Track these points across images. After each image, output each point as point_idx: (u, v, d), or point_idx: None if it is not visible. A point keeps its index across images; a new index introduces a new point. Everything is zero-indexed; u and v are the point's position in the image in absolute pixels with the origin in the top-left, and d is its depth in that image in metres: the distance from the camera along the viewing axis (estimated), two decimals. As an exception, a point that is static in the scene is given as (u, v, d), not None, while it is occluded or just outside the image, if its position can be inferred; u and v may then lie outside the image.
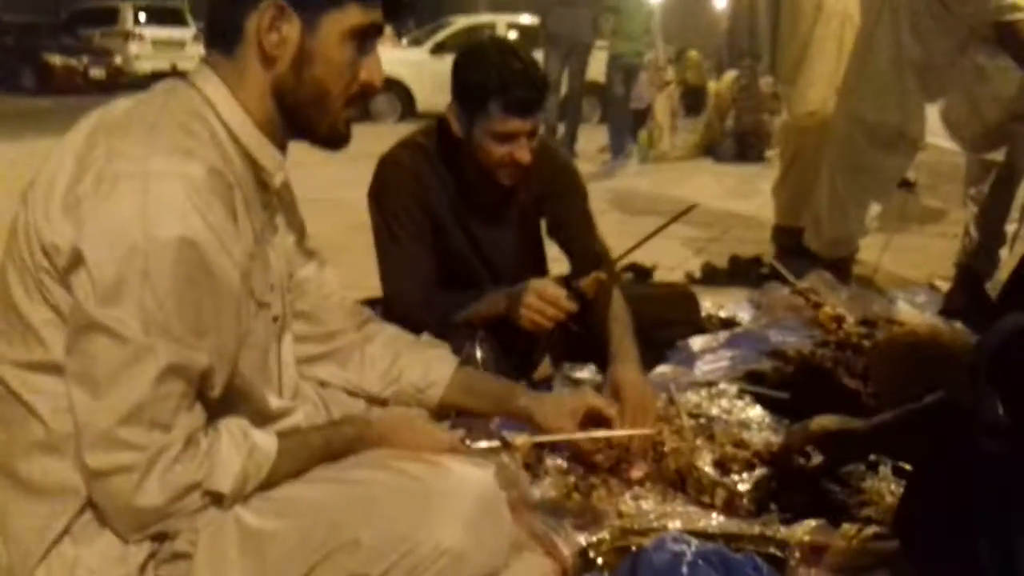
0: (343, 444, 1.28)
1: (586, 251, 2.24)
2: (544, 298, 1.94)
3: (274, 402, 1.31)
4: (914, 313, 2.70)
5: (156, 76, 20.33)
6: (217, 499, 1.14)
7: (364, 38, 1.23)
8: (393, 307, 2.08)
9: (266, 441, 1.20)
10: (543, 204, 2.27)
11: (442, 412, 1.57)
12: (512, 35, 12.44)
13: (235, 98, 1.20)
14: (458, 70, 2.07)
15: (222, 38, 1.21)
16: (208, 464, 1.13)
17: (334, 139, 1.28)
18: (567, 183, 2.29)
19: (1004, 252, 3.02)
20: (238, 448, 1.16)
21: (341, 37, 1.20)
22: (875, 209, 3.22)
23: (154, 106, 1.17)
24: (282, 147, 1.27)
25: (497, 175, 2.06)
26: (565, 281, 2.09)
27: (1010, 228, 3.04)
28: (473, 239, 2.21)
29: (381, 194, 2.14)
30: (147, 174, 1.07)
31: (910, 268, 3.42)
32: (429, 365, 1.57)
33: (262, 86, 1.20)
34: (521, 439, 1.53)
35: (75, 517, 1.15)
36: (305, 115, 1.24)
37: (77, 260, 1.06)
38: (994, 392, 1.23)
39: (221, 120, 1.19)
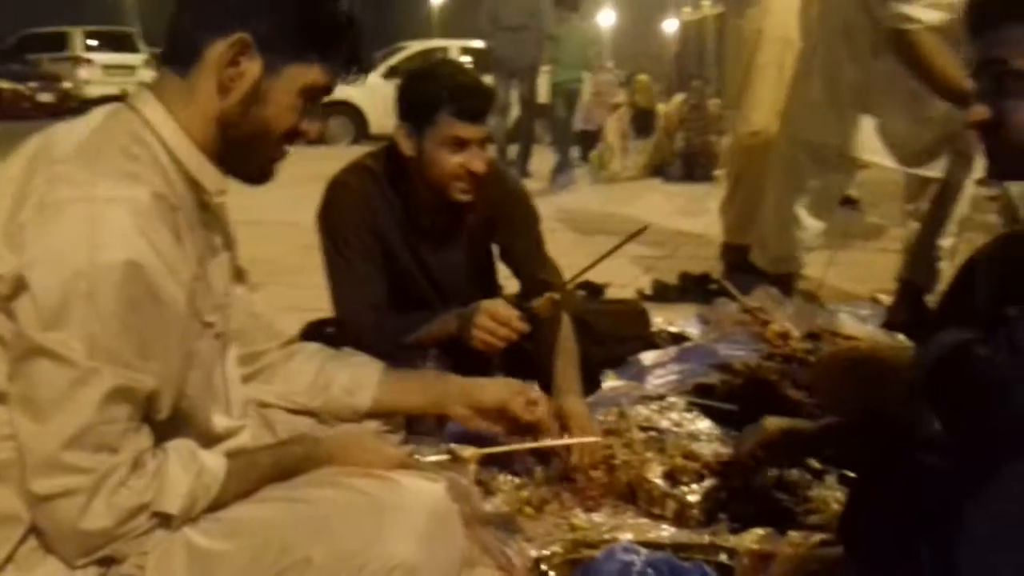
0: (292, 463, 1.28)
1: (535, 278, 2.23)
2: (496, 319, 1.95)
3: (220, 422, 1.31)
4: (857, 326, 2.77)
5: (106, 100, 19.89)
6: (165, 520, 1.13)
7: (317, 96, 1.25)
8: (345, 329, 2.09)
9: (214, 462, 1.20)
10: (493, 229, 2.27)
11: (376, 416, 1.58)
12: (465, 59, 12.53)
13: (176, 120, 1.20)
14: (405, 88, 2.10)
15: (179, 57, 1.21)
16: (156, 486, 1.12)
17: (259, 178, 1.29)
18: (517, 208, 2.29)
19: (944, 266, 3.09)
20: (186, 469, 1.15)
21: (297, 89, 1.22)
22: (818, 226, 3.28)
23: (94, 131, 1.16)
24: (222, 168, 1.27)
25: (450, 191, 2.06)
26: (517, 301, 2.10)
27: (948, 243, 3.11)
28: (422, 262, 2.21)
29: (330, 217, 2.14)
30: (92, 199, 1.07)
31: (854, 283, 3.50)
32: (356, 370, 1.58)
33: (208, 111, 1.21)
34: (469, 451, 1.56)
35: (18, 544, 1.13)
36: (240, 149, 1.24)
37: (20, 286, 1.05)
38: (931, 408, 1.26)
39: (162, 142, 1.19)
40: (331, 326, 2.49)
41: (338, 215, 2.12)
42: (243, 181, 1.30)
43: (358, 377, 1.57)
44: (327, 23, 1.23)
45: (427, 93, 2.03)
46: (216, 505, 1.18)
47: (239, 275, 1.46)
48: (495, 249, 2.35)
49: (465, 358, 2.03)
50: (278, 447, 1.34)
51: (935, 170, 3.11)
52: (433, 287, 2.24)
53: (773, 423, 1.73)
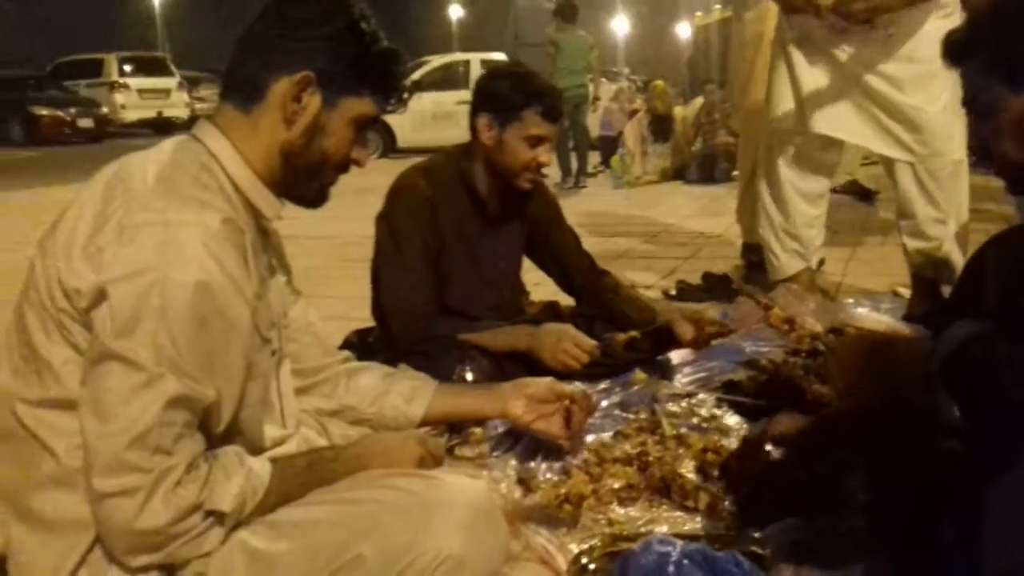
0: (323, 463, 1.35)
1: (584, 262, 2.65)
2: (581, 346, 2.21)
3: (271, 432, 1.39)
4: (878, 319, 2.80)
5: (143, 124, 20.17)
6: (219, 519, 1.19)
7: (366, 125, 1.38)
8: (395, 316, 2.28)
9: (260, 466, 1.27)
10: (537, 227, 2.57)
11: (428, 423, 1.70)
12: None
13: (237, 151, 1.31)
14: (494, 86, 2.34)
15: (241, 94, 1.32)
16: (209, 486, 1.18)
17: (316, 201, 1.41)
18: (557, 207, 2.65)
19: (956, 256, 3.07)
20: (236, 471, 1.22)
21: (351, 120, 1.34)
22: (807, 231, 3.28)
23: (166, 161, 1.26)
24: (279, 195, 1.37)
25: (519, 179, 2.33)
26: (577, 319, 2.42)
27: (950, 230, 3.08)
28: (478, 245, 2.44)
29: (393, 215, 2.33)
30: (167, 223, 1.16)
31: (873, 277, 3.53)
32: (414, 382, 1.71)
33: (271, 143, 1.31)
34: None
35: (89, 550, 1.20)
36: (301, 176, 1.36)
37: (100, 297, 1.14)
38: (950, 397, 1.31)
39: (226, 172, 1.29)
40: (371, 335, 2.59)
41: (401, 214, 2.31)
42: (302, 205, 1.41)
43: (416, 388, 1.71)
44: (376, 61, 1.35)
45: (518, 92, 2.29)
46: (263, 507, 1.24)
47: (296, 295, 1.56)
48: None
49: (515, 367, 2.20)
50: (311, 451, 1.42)
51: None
52: (481, 269, 2.45)
53: (784, 421, 1.79)
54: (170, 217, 1.17)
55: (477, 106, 2.36)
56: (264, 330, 1.34)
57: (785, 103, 3.17)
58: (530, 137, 2.30)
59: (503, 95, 2.32)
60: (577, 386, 2.27)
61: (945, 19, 2.98)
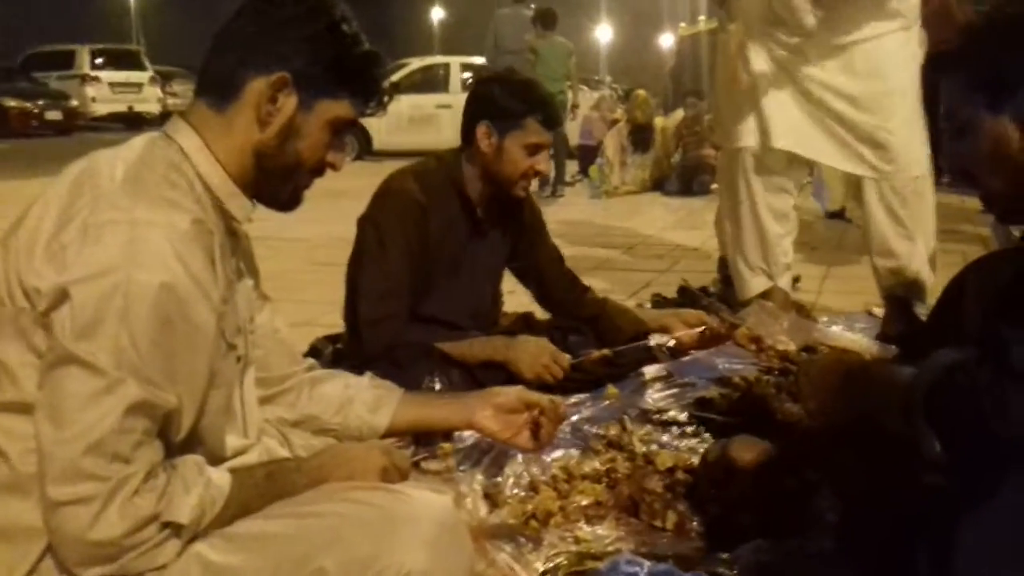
0: (284, 474, 1.31)
1: (565, 277, 2.68)
2: (557, 361, 2.24)
3: (232, 442, 1.35)
4: (852, 338, 2.81)
5: (113, 118, 20.06)
6: (176, 531, 1.15)
7: (343, 129, 1.35)
8: (369, 320, 2.26)
9: (219, 476, 1.22)
10: (522, 237, 2.58)
11: (394, 434, 1.64)
12: (466, 75, 12.62)
13: (210, 150, 1.27)
14: (495, 93, 2.35)
15: (216, 92, 1.29)
16: (166, 497, 1.14)
17: (290, 204, 1.38)
18: (541, 218, 2.66)
19: (926, 275, 3.10)
20: (194, 482, 1.18)
21: (327, 123, 1.31)
22: (773, 249, 3.29)
23: (136, 158, 1.22)
24: (251, 198, 1.34)
25: (515, 187, 2.34)
26: (552, 331, 2.46)
27: (925, 250, 3.11)
28: (465, 250, 2.43)
29: (380, 216, 2.32)
30: (133, 222, 1.12)
31: (848, 296, 3.55)
32: (378, 391, 1.66)
33: (245, 143, 1.28)
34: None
35: (39, 559, 1.15)
36: (273, 179, 1.33)
37: (61, 298, 1.10)
38: (930, 429, 1.30)
39: (197, 171, 1.26)
40: (339, 341, 2.56)
41: (390, 217, 2.31)
42: (273, 207, 1.38)
43: (380, 397, 1.65)
44: (355, 61, 1.32)
45: (519, 100, 2.30)
46: (221, 519, 1.20)
47: (263, 300, 1.52)
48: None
49: (489, 377, 2.17)
50: (272, 462, 1.38)
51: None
52: (464, 277, 2.44)
53: (743, 445, 1.78)
54: (137, 216, 1.13)
55: (475, 113, 2.34)
56: (229, 336, 1.30)
57: (747, 119, 3.18)
58: (530, 145, 2.30)
59: (503, 103, 2.32)
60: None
61: (904, 32, 3.03)
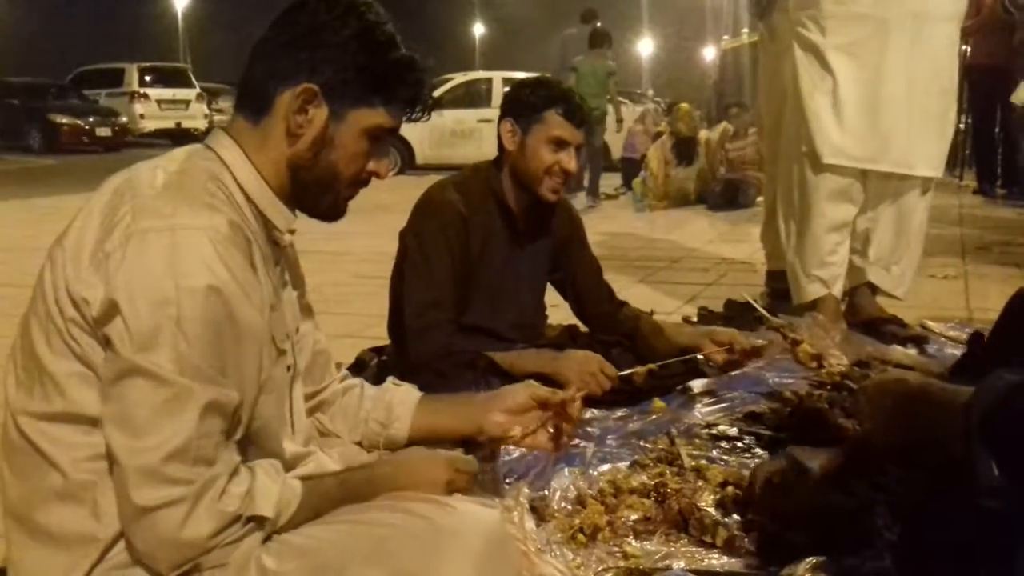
0: (355, 486, 1.32)
1: (601, 291, 2.65)
2: (606, 373, 2.22)
3: (289, 448, 1.36)
4: (905, 353, 2.74)
5: (161, 134, 20.60)
6: (259, 524, 1.18)
7: (381, 136, 1.33)
8: (415, 331, 2.25)
9: (293, 480, 1.25)
10: (561, 247, 2.56)
11: (414, 444, 1.63)
12: (507, 90, 12.66)
13: (250, 161, 1.28)
14: (517, 90, 2.38)
15: (251, 105, 1.29)
16: (250, 495, 1.17)
17: (331, 215, 1.37)
18: (582, 230, 2.63)
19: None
20: (273, 480, 1.21)
21: (362, 132, 1.29)
22: (832, 257, 3.28)
23: (176, 169, 1.23)
24: (293, 208, 1.34)
25: (542, 187, 2.31)
26: (595, 345, 2.42)
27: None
28: (505, 261, 2.42)
29: (424, 229, 2.31)
30: (174, 228, 1.13)
31: (902, 309, 3.46)
32: (391, 403, 1.66)
33: (280, 156, 1.28)
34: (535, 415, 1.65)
35: (95, 565, 1.17)
36: (312, 191, 1.32)
37: (112, 311, 1.11)
38: (989, 453, 1.25)
39: (237, 182, 1.26)
40: (384, 354, 2.56)
41: (432, 228, 2.30)
42: (316, 218, 1.38)
43: (393, 409, 1.65)
44: (388, 69, 1.30)
45: (539, 93, 2.30)
46: (293, 521, 1.23)
47: (308, 311, 1.53)
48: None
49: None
50: (342, 471, 1.39)
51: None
52: (506, 287, 2.44)
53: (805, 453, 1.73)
54: (177, 222, 1.14)
55: (502, 114, 2.36)
56: (279, 342, 1.32)
57: (826, 131, 3.14)
58: (552, 139, 2.28)
59: (525, 99, 2.33)
60: (594, 413, 2.24)
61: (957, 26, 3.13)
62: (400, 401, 1.68)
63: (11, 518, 1.22)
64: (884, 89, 3.12)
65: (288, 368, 1.38)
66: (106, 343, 1.13)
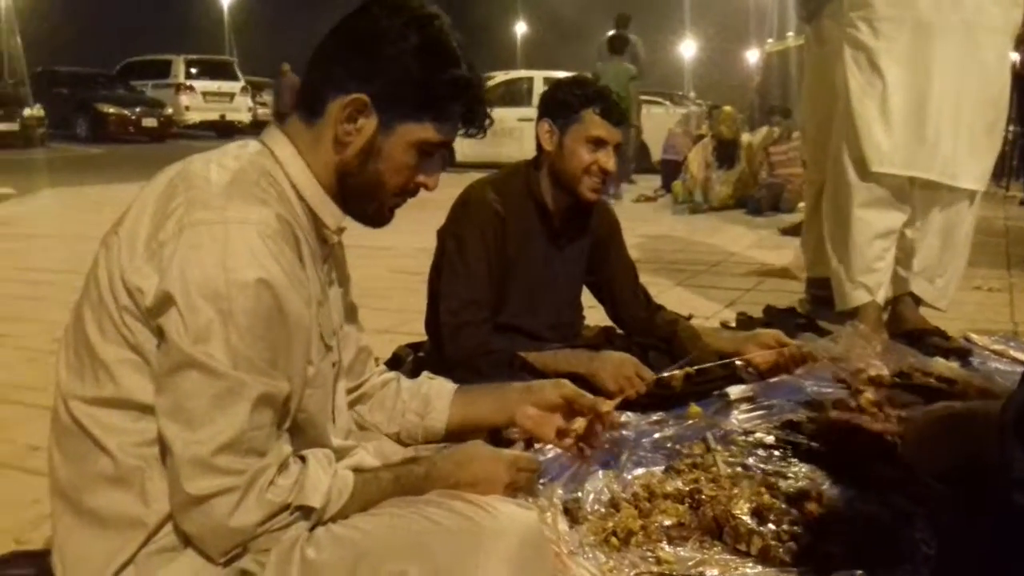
0: (411, 482, 1.33)
1: (637, 295, 2.63)
2: (642, 376, 2.21)
3: (334, 441, 1.37)
4: (948, 366, 2.68)
5: (205, 126, 21.02)
6: (306, 514, 1.20)
7: (431, 151, 1.32)
8: (451, 328, 2.26)
9: (345, 471, 1.27)
10: (597, 248, 2.55)
11: (452, 435, 1.65)
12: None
13: (303, 160, 1.29)
14: (555, 89, 2.37)
15: (306, 106, 1.30)
16: (299, 485, 1.19)
17: (376, 222, 1.38)
18: (619, 232, 2.62)
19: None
20: (324, 470, 1.23)
21: (410, 145, 1.29)
22: (877, 263, 3.25)
23: (229, 162, 1.25)
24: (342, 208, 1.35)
25: (581, 186, 2.31)
26: (632, 347, 2.40)
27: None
28: (545, 260, 2.42)
29: (462, 228, 2.32)
30: (226, 221, 1.15)
31: (945, 322, 3.41)
32: (428, 395, 1.67)
33: (329, 160, 1.30)
34: (579, 421, 1.62)
35: (140, 548, 1.20)
36: (357, 197, 1.33)
37: (166, 303, 1.13)
38: (1022, 447, 1.23)
39: (289, 178, 1.28)
40: (421, 350, 2.57)
41: (470, 227, 2.30)
42: (362, 223, 1.38)
43: (430, 401, 1.66)
44: (443, 87, 1.29)
45: (577, 93, 2.30)
46: (343, 512, 1.24)
47: (352, 311, 1.54)
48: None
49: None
50: (399, 466, 1.40)
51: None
52: (542, 287, 2.43)
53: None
54: (229, 215, 1.16)
55: (539, 114, 2.36)
56: (327, 337, 1.34)
57: (874, 138, 3.10)
58: (590, 138, 2.28)
59: (562, 98, 2.33)
60: (629, 417, 2.23)
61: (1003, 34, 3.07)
62: (437, 393, 1.69)
63: (60, 499, 1.25)
64: (933, 97, 3.08)
65: (333, 364, 1.40)
66: (160, 334, 1.15)
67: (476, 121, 1.35)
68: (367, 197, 1.33)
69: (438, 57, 1.28)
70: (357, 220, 1.37)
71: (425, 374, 1.76)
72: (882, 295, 3.32)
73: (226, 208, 1.16)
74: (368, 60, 1.26)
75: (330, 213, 1.32)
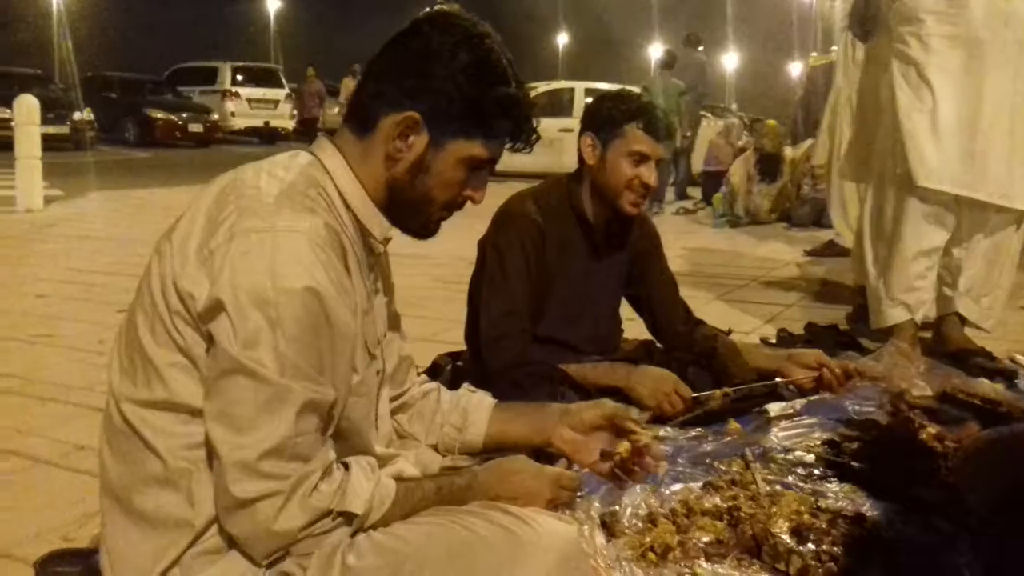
0: (453, 492, 1.34)
1: (677, 309, 2.61)
2: (680, 394, 2.21)
3: (378, 449, 1.39)
4: (992, 387, 2.64)
5: (250, 132, 21.25)
6: (348, 520, 1.22)
7: (480, 167, 1.35)
8: (491, 340, 2.27)
9: (387, 479, 1.28)
10: (637, 261, 2.55)
11: (488, 450, 1.65)
12: (589, 100, 12.71)
13: (352, 171, 1.31)
14: (597, 103, 2.37)
15: (357, 120, 1.33)
16: (341, 490, 1.21)
17: (423, 234, 1.40)
18: (659, 245, 2.61)
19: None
20: (367, 477, 1.25)
21: (459, 161, 1.31)
22: (920, 282, 3.22)
23: (280, 172, 1.27)
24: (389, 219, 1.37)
25: (622, 200, 2.31)
26: (672, 362, 2.38)
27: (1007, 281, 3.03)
28: (583, 271, 2.42)
29: (502, 240, 2.32)
30: (275, 229, 1.17)
31: (991, 341, 3.35)
32: (467, 409, 1.67)
33: (378, 173, 1.32)
34: (624, 445, 1.58)
35: (185, 550, 1.22)
36: (405, 210, 1.35)
37: (217, 309, 1.15)
38: None
39: (338, 188, 1.30)
40: (460, 359, 2.58)
41: (511, 239, 2.31)
42: (408, 235, 1.40)
43: (469, 415, 1.67)
44: (493, 105, 1.31)
45: (620, 107, 2.30)
46: (385, 519, 1.26)
47: (395, 319, 1.56)
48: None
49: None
50: (441, 476, 1.41)
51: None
52: (581, 299, 2.43)
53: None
54: (278, 223, 1.18)
55: (582, 127, 2.37)
56: (372, 346, 1.35)
57: (923, 153, 3.07)
58: (632, 153, 2.28)
59: (606, 113, 2.33)
60: (667, 432, 2.22)
61: None
62: (475, 407, 1.70)
63: (109, 498, 1.27)
64: (984, 114, 3.04)
65: (377, 372, 1.41)
66: (210, 339, 1.17)
67: (523, 137, 1.37)
68: (415, 210, 1.35)
69: (488, 76, 1.29)
70: (404, 232, 1.39)
71: (466, 386, 1.76)
72: (921, 315, 3.28)
73: (276, 216, 1.18)
74: (420, 78, 1.28)
75: (377, 224, 1.34)
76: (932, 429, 2.21)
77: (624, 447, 1.59)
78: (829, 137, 4.43)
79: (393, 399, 1.60)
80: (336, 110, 17.02)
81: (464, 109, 1.29)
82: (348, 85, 15.58)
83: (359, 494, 1.22)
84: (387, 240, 1.39)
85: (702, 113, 11.06)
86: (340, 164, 1.31)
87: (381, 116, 1.29)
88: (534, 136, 1.39)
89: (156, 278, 1.23)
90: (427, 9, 1.33)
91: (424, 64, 1.28)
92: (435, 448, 1.67)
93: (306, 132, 16.55)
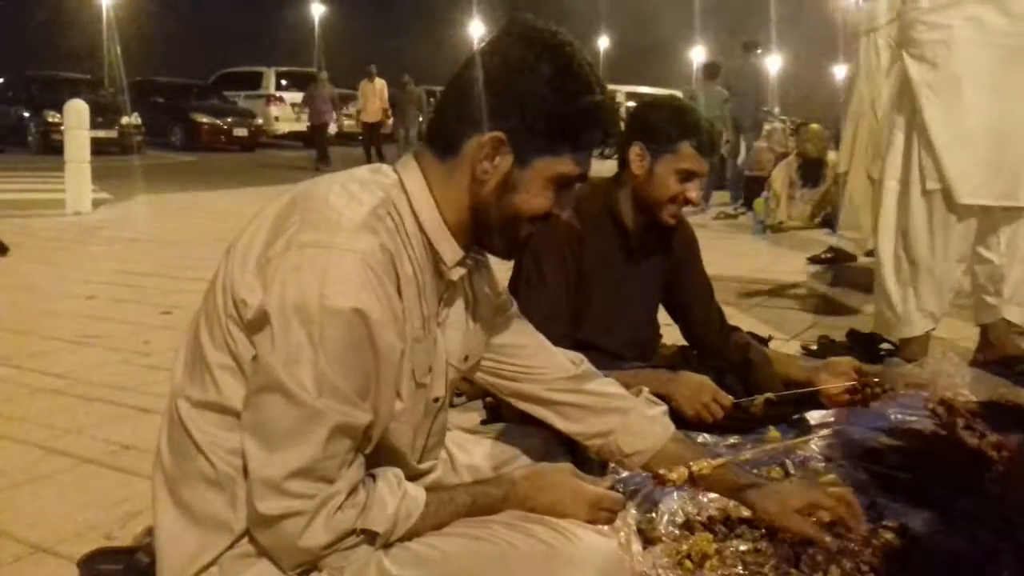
0: (488, 503, 1.33)
1: (712, 315, 2.59)
2: (720, 402, 2.19)
3: (411, 470, 1.38)
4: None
5: (293, 136, 21.43)
6: (370, 538, 1.22)
7: (567, 183, 1.30)
8: None
9: (416, 492, 1.27)
10: (675, 267, 2.53)
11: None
12: (631, 104, 12.68)
13: (431, 193, 1.28)
14: (650, 115, 2.32)
15: (440, 142, 1.29)
16: (366, 510, 1.20)
17: (510, 254, 1.38)
18: (697, 251, 2.59)
19: None
20: (392, 493, 1.24)
21: (548, 179, 1.27)
22: (947, 293, 3.22)
23: (353, 188, 1.24)
24: (466, 247, 1.33)
25: (664, 213, 2.31)
26: (709, 370, 2.34)
27: None
28: (619, 277, 2.41)
29: (539, 243, 2.28)
30: (331, 246, 1.15)
31: None
32: (641, 432, 1.61)
33: (462, 196, 1.28)
34: (676, 473, 1.52)
35: (225, 551, 1.24)
36: (492, 231, 1.31)
37: (263, 320, 1.15)
38: None
39: (413, 211, 1.27)
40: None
41: (548, 243, 2.29)
42: (494, 255, 1.39)
43: (638, 442, 1.61)
44: (577, 117, 1.26)
45: (675, 123, 2.27)
46: (412, 533, 1.25)
47: (506, 320, 1.56)
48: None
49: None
50: (475, 486, 1.39)
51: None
52: (619, 304, 2.42)
53: None
54: (336, 240, 1.16)
55: (631, 135, 2.33)
56: (420, 375, 1.31)
57: (960, 168, 3.04)
58: (681, 170, 2.27)
59: (659, 126, 2.29)
60: (705, 438, 2.20)
61: None
62: (650, 431, 1.62)
63: (162, 484, 1.30)
64: (1012, 120, 2.98)
65: (435, 400, 1.38)
66: (254, 344, 1.18)
67: (607, 145, 1.33)
68: (502, 230, 1.31)
69: (571, 86, 1.24)
70: (491, 253, 1.38)
71: (645, 394, 1.70)
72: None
73: (335, 233, 1.17)
74: (502, 96, 1.23)
75: (449, 249, 1.30)
76: (992, 437, 2.18)
77: (681, 473, 1.53)
78: (851, 144, 4.38)
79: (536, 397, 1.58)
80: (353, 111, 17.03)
81: (549, 124, 1.24)
82: (365, 88, 15.53)
83: (383, 511, 1.22)
84: (457, 265, 1.33)
85: (763, 114, 11.19)
86: (420, 186, 1.28)
87: (464, 139, 1.25)
88: (618, 143, 1.37)
89: (220, 281, 1.24)
90: (503, 23, 1.29)
91: (505, 81, 1.23)
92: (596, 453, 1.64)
93: (313, 138, 16.31)
